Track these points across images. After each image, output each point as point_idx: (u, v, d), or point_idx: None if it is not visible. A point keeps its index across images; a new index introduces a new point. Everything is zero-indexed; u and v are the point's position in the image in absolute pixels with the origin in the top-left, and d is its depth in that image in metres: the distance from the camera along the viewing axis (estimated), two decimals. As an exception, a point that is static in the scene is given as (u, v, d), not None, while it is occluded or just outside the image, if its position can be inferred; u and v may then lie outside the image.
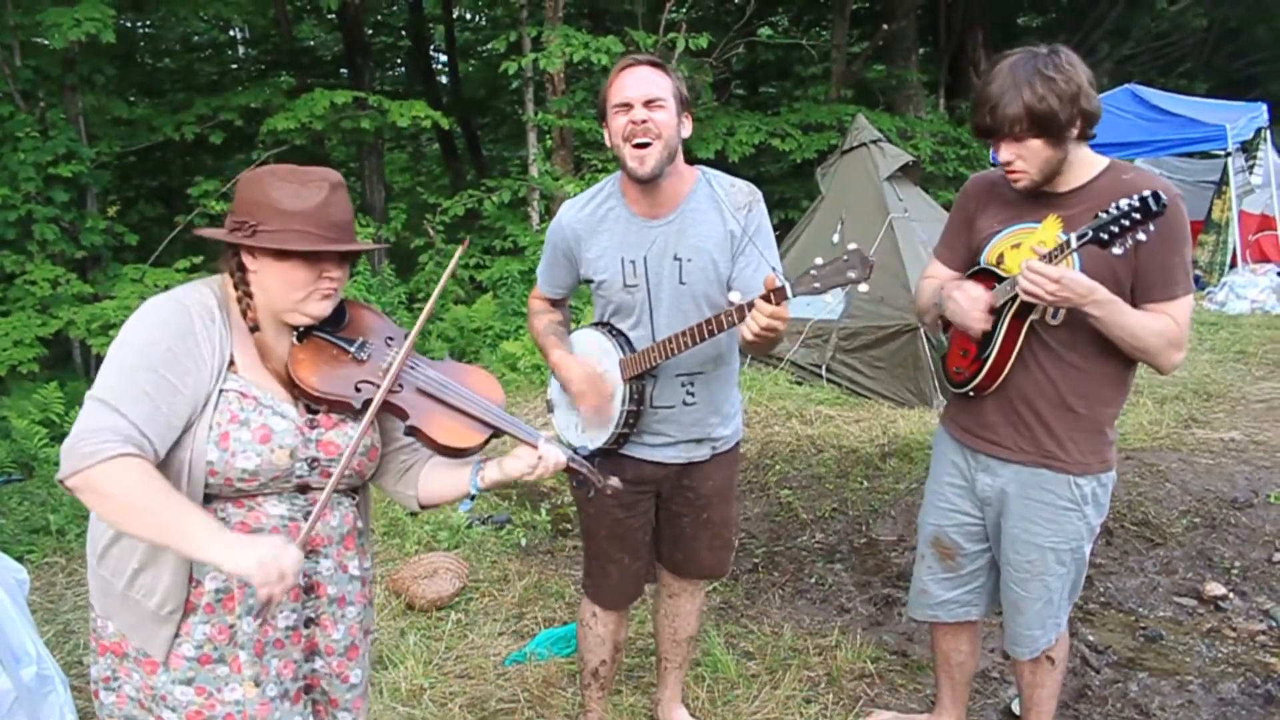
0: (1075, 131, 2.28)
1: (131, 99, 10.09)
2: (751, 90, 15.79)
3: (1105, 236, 2.14)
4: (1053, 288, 2.17)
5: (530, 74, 9.28)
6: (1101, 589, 3.94)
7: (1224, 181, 10.74)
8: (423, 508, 1.99)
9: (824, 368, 6.86)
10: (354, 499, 1.94)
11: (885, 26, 12.89)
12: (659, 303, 2.48)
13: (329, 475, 1.80)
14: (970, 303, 2.40)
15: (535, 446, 1.88)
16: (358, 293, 7.95)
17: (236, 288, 1.78)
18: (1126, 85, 11.65)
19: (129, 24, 11.26)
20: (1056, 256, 2.21)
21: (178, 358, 1.68)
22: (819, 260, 2.11)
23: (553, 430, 2.50)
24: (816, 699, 3.22)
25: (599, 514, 2.66)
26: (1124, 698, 3.22)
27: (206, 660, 1.76)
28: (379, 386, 1.80)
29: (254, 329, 1.78)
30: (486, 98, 15.53)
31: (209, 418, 1.70)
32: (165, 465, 1.69)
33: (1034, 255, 2.24)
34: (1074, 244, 2.20)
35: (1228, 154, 10.43)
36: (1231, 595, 3.84)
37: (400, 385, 1.83)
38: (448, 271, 2.08)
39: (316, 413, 1.82)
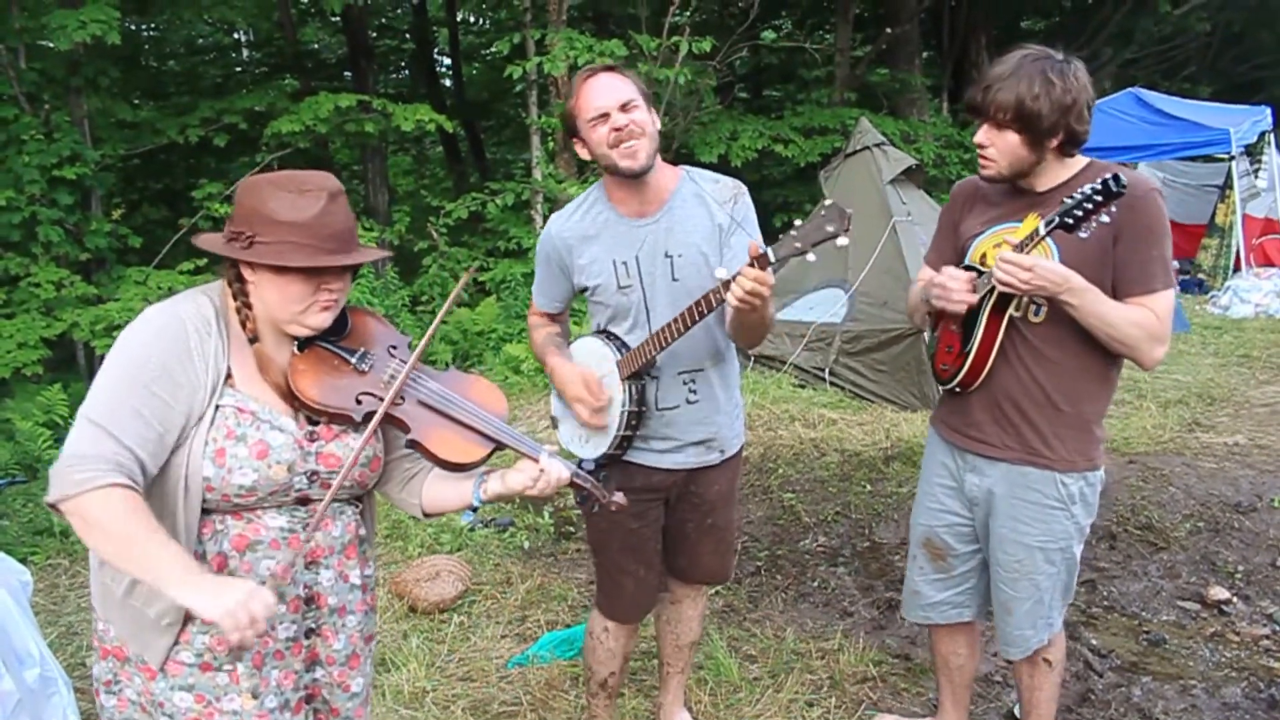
0: (1055, 142, 2.31)
1: (136, 102, 10.13)
2: (755, 94, 15.80)
3: (1070, 221, 2.17)
4: (1026, 276, 2.19)
5: (534, 77, 9.29)
6: (1105, 593, 3.93)
7: (1228, 185, 10.73)
8: (426, 516, 1.97)
9: (827, 371, 6.86)
10: (357, 507, 1.93)
11: (889, 30, 12.88)
12: (655, 302, 2.48)
13: (329, 487, 1.79)
14: (954, 281, 2.40)
15: (536, 460, 1.85)
16: (361, 296, 7.95)
17: (235, 298, 1.75)
18: (1130, 89, 11.65)
19: (133, 27, 11.28)
20: (1028, 245, 2.24)
21: (171, 374, 1.66)
22: (797, 222, 2.09)
23: (556, 444, 2.46)
24: (819, 702, 3.22)
25: (610, 526, 2.63)
26: (1127, 702, 3.22)
27: (207, 668, 1.75)
28: (381, 399, 1.78)
29: (253, 340, 1.76)
30: (490, 101, 15.55)
31: (204, 433, 1.68)
32: (162, 479, 1.68)
33: (1008, 247, 2.27)
34: (1043, 231, 2.22)
35: (1231, 158, 10.43)
36: (1235, 599, 3.83)
37: (402, 398, 1.80)
38: (450, 298, 2.08)
39: (317, 424, 1.79)
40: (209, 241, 1.74)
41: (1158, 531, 4.37)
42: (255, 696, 1.77)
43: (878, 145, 7.34)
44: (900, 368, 6.48)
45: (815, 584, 4.16)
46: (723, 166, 10.52)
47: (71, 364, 8.10)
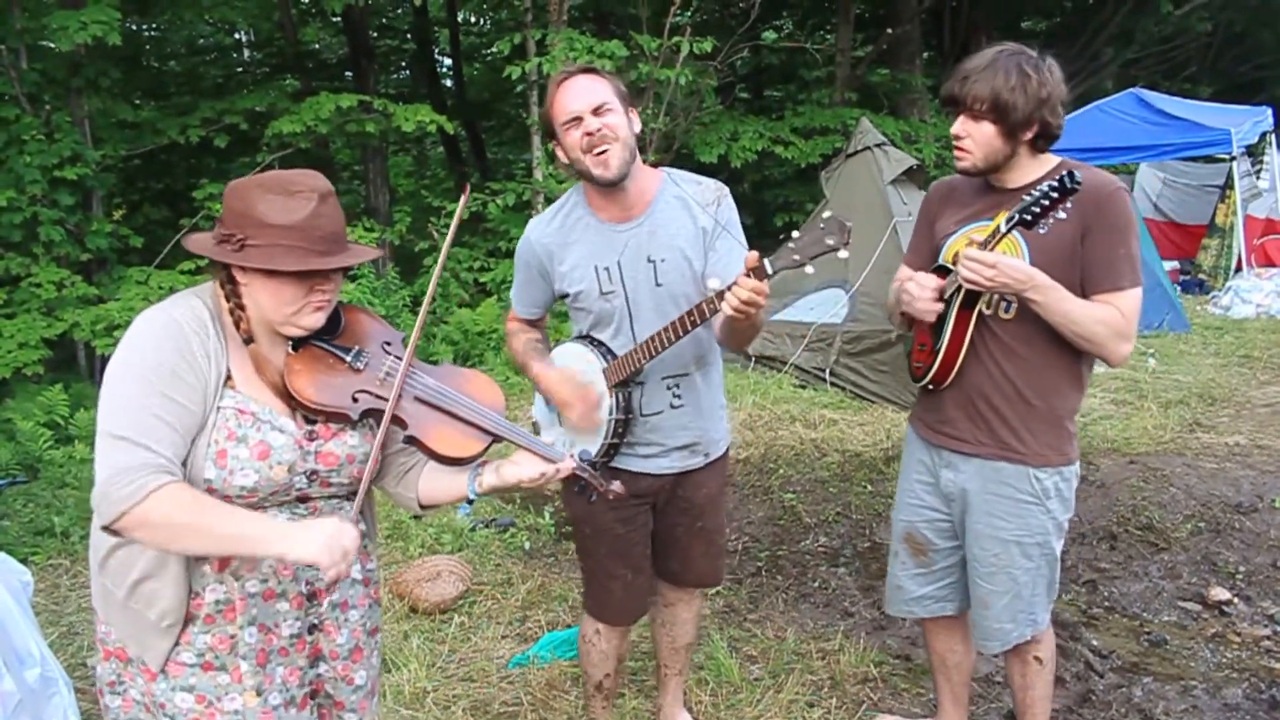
0: (1030, 134, 2.35)
1: (137, 102, 10.11)
2: (756, 94, 15.79)
3: (1029, 217, 2.21)
4: (990, 273, 2.23)
5: (534, 78, 9.28)
6: (1105, 593, 3.93)
7: (1228, 186, 10.72)
8: (423, 509, 1.98)
9: (828, 371, 6.86)
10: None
11: (889, 30, 12.88)
12: (638, 307, 2.46)
13: (328, 485, 1.80)
14: (920, 289, 2.45)
15: (534, 452, 1.86)
16: (362, 296, 7.95)
17: (228, 300, 1.75)
18: (1131, 89, 11.64)
19: (134, 27, 11.28)
20: (991, 243, 2.28)
21: (181, 377, 1.66)
22: (795, 234, 2.09)
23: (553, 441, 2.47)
24: (820, 703, 3.22)
25: (597, 532, 2.64)
26: (1128, 703, 3.21)
27: (209, 668, 1.76)
28: (377, 396, 1.78)
29: (248, 341, 1.76)
30: (491, 101, 15.53)
31: (207, 435, 1.69)
32: None
33: (974, 245, 2.30)
34: (1004, 228, 2.26)
35: (1232, 158, 10.42)
36: (1236, 600, 3.83)
37: (398, 395, 1.80)
38: (455, 222, 2.05)
39: (314, 423, 1.80)
40: (198, 244, 1.73)
41: (1158, 532, 4.37)
42: (259, 694, 1.78)
43: (879, 145, 7.34)
44: (901, 368, 6.46)
45: (816, 584, 4.16)
46: (723, 167, 10.53)
47: (72, 364, 8.09)
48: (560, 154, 2.45)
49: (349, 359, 1.80)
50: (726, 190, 2.54)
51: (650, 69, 8.65)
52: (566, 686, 3.33)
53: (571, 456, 1.89)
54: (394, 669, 3.43)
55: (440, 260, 2.04)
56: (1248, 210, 10.75)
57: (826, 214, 2.09)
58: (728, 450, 2.75)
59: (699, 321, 2.26)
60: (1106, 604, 3.87)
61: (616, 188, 2.40)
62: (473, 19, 16.72)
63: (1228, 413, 6.25)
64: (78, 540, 4.57)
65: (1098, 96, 12.36)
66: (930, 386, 2.55)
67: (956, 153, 2.42)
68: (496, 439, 1.84)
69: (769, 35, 12.69)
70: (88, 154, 7.67)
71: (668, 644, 2.96)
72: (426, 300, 1.98)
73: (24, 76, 7.60)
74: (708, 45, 8.75)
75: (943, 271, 2.51)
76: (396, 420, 1.80)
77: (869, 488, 5.08)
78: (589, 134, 2.33)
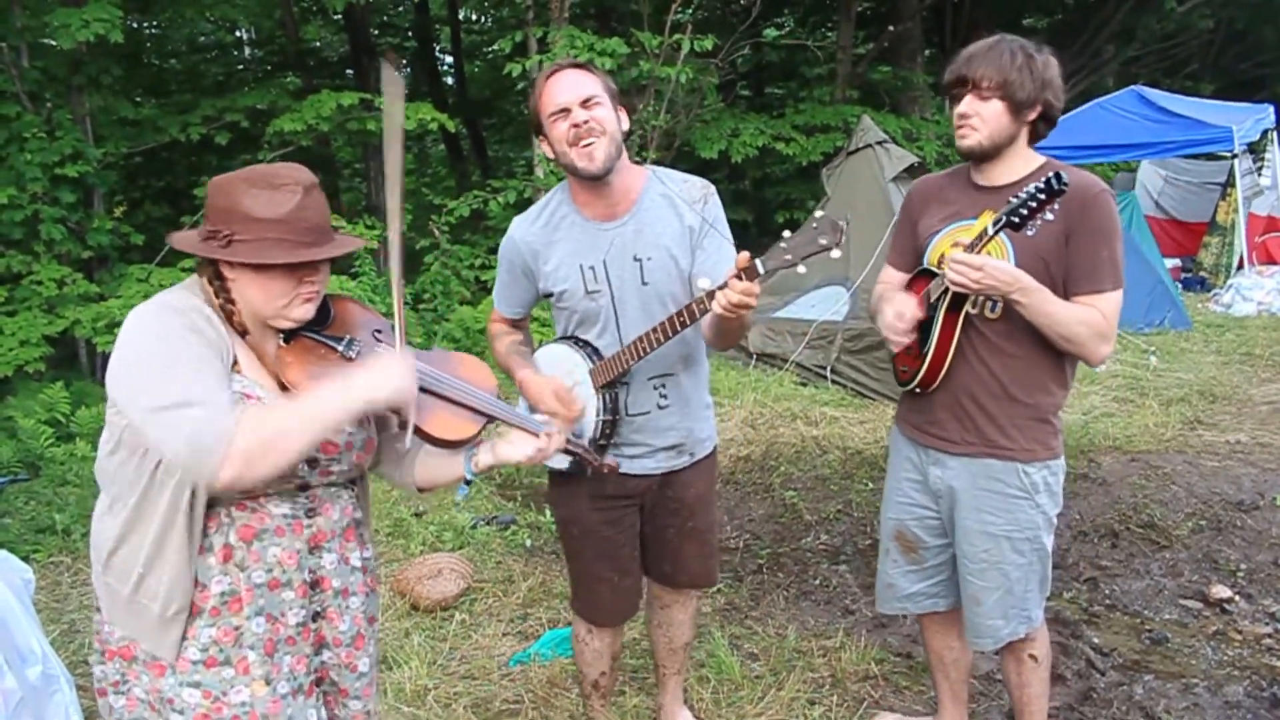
0: (1033, 115, 2.37)
1: (138, 100, 10.10)
2: (757, 91, 15.77)
3: (1016, 219, 2.21)
4: (977, 275, 2.24)
5: (536, 75, 9.27)
6: (1107, 591, 3.93)
7: (1230, 183, 10.71)
8: (421, 491, 2.00)
9: (829, 369, 6.86)
10: (353, 490, 1.95)
11: (891, 28, 12.88)
12: (624, 306, 2.44)
13: (328, 474, 1.82)
14: (895, 318, 2.46)
15: (526, 430, 1.88)
16: (362, 293, 7.95)
17: (217, 295, 1.75)
18: (1132, 87, 11.62)
19: (135, 25, 11.27)
20: (978, 245, 2.29)
21: (199, 332, 1.66)
22: (787, 233, 2.07)
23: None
24: (821, 700, 3.22)
25: (584, 533, 2.63)
26: (1129, 700, 3.21)
27: (212, 663, 1.76)
28: None
29: (243, 334, 1.77)
30: (492, 98, 15.53)
31: None
32: (166, 474, 1.67)
33: (960, 247, 2.31)
34: (991, 230, 2.27)
35: (1234, 156, 10.40)
36: (1237, 598, 3.83)
37: None
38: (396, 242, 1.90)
39: None
40: (184, 241, 1.73)
41: (1160, 530, 4.36)
42: (268, 683, 1.79)
43: (880, 143, 7.34)
44: (902, 366, 6.47)
45: (817, 582, 4.16)
46: (724, 162, 10.52)
47: (73, 362, 8.09)
48: (546, 149, 2.43)
49: (341, 348, 1.80)
50: (713, 188, 2.52)
51: (651, 66, 8.64)
52: (567, 684, 3.33)
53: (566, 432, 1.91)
54: (395, 666, 3.43)
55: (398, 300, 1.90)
56: (1249, 208, 10.74)
57: (819, 213, 2.08)
58: (715, 449, 2.74)
59: (689, 322, 2.25)
60: (1108, 602, 3.87)
61: (601, 183, 2.38)
62: (474, 17, 16.72)
63: (1229, 410, 6.25)
64: (79, 538, 4.57)
65: (1099, 94, 12.35)
66: (917, 390, 2.55)
67: (962, 131, 2.41)
68: (491, 420, 1.86)
69: (770, 33, 12.69)
70: (89, 151, 7.67)
71: (665, 644, 2.95)
72: (396, 283, 1.91)
73: (25, 74, 7.60)
74: (709, 43, 8.75)
75: (927, 275, 2.51)
76: (394, 409, 1.81)
77: (870, 485, 5.08)
78: (576, 125, 2.31)
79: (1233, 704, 3.18)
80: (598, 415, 2.44)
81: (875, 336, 6.58)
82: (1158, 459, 5.13)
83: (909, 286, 2.61)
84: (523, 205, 9.28)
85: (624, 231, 2.44)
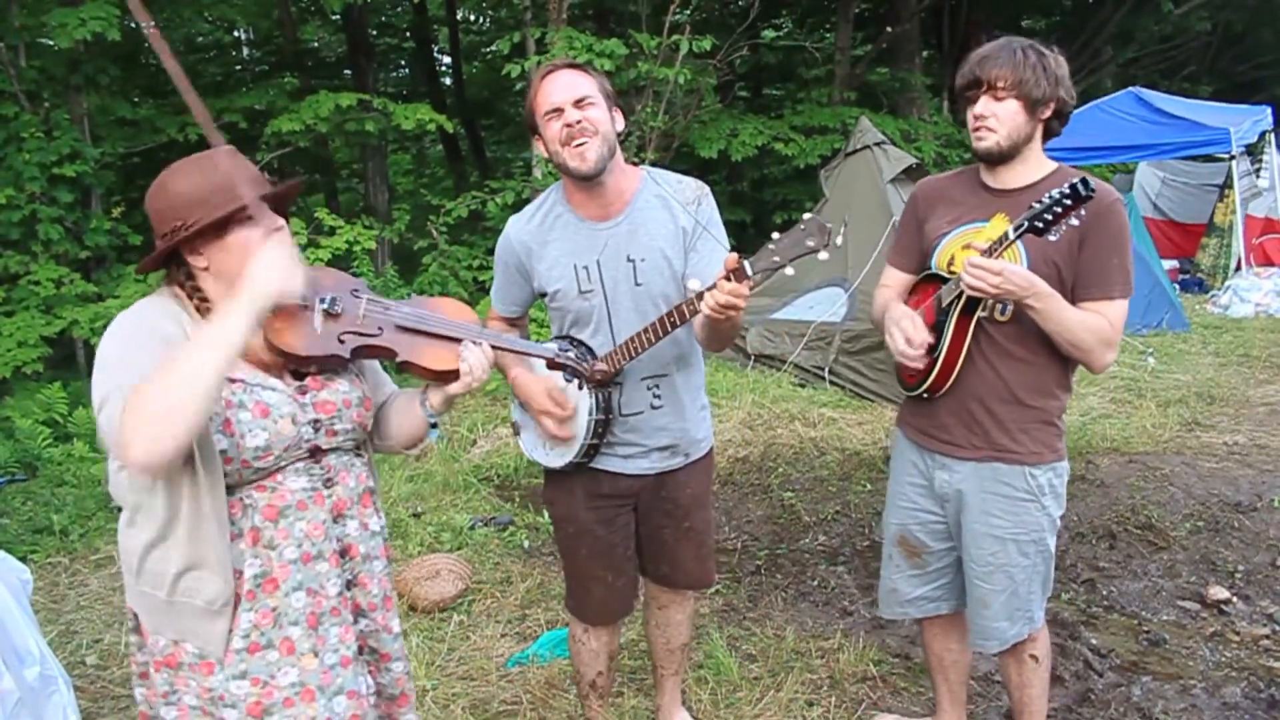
0: (1048, 112, 2.37)
1: (136, 100, 10.09)
2: (755, 92, 15.78)
3: (1040, 225, 2.20)
4: (996, 280, 2.23)
5: (533, 75, 9.29)
6: (1104, 592, 3.93)
7: (1228, 185, 10.73)
8: (409, 450, 2.07)
9: (827, 370, 6.86)
10: (363, 458, 2.00)
11: (889, 29, 12.88)
12: (617, 306, 2.44)
13: (334, 434, 1.87)
14: (905, 344, 2.44)
15: (514, 350, 2.04)
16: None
17: (191, 297, 1.80)
18: (1130, 88, 11.65)
19: (133, 25, 11.25)
20: (997, 250, 2.28)
21: (166, 339, 1.70)
22: (776, 235, 2.08)
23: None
24: (819, 701, 3.22)
25: (578, 532, 2.63)
26: (1127, 702, 3.22)
27: (255, 649, 1.78)
28: (361, 333, 1.87)
29: None
30: (490, 99, 15.53)
31: None
32: (178, 474, 1.69)
33: (976, 252, 2.30)
34: (1012, 235, 2.26)
35: (1232, 157, 10.43)
36: (1235, 599, 3.83)
37: (380, 328, 1.89)
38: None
39: (303, 378, 1.87)
40: (149, 261, 1.81)
41: (1158, 531, 4.37)
42: (316, 655, 1.82)
43: (878, 144, 7.35)
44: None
45: (815, 583, 4.16)
46: (724, 162, 10.52)
47: (71, 362, 8.09)
48: (541, 148, 2.44)
49: (325, 307, 1.87)
50: (707, 189, 2.53)
51: (650, 67, 8.64)
52: (565, 685, 3.33)
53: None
54: (393, 667, 3.43)
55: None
56: (1247, 209, 10.77)
57: (807, 215, 2.09)
58: (711, 450, 2.74)
59: (679, 323, 2.26)
60: (1105, 603, 3.87)
61: (594, 183, 2.39)
62: (472, 17, 16.72)
63: (1227, 412, 6.26)
64: (77, 539, 4.56)
65: (1097, 95, 12.37)
66: (925, 395, 2.54)
67: (979, 133, 2.40)
68: (476, 343, 1.94)
69: (768, 34, 12.69)
70: (87, 151, 7.66)
71: (662, 645, 2.95)
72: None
73: (23, 74, 7.60)
74: (707, 44, 8.75)
75: (935, 279, 2.50)
76: (385, 352, 1.89)
77: (868, 486, 5.08)
78: (568, 125, 2.32)
79: (1230, 705, 3.18)
80: (590, 415, 2.44)
81: (873, 338, 6.60)
82: (1155, 460, 5.14)
83: (913, 292, 2.60)
84: (520, 206, 9.25)
85: (618, 232, 2.44)
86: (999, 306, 2.40)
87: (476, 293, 9.19)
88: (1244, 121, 10.49)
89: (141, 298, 1.86)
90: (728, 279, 2.05)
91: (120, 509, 1.82)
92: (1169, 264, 10.79)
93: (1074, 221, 2.21)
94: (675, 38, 8.74)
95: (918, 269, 2.61)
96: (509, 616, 3.87)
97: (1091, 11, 15.37)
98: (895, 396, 6.45)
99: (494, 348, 1.93)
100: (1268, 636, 3.59)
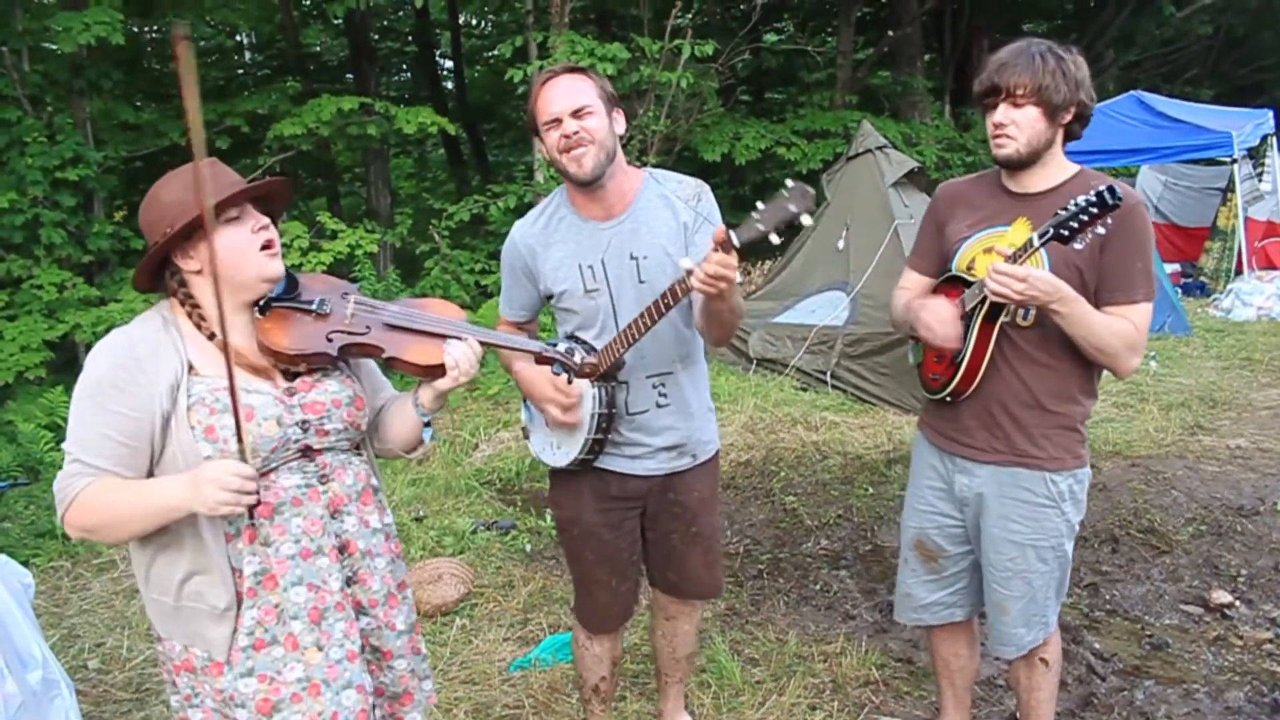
0: (1068, 117, 2.36)
1: (138, 104, 10.11)
2: (757, 96, 15.80)
3: (1066, 232, 2.19)
4: (1020, 287, 2.22)
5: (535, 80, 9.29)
6: (1107, 596, 3.93)
7: (1230, 188, 10.72)
8: (406, 453, 2.08)
9: (829, 374, 6.86)
10: (362, 456, 2.02)
11: (890, 33, 12.90)
12: (622, 305, 2.46)
13: (325, 434, 1.90)
14: (940, 325, 2.43)
15: (501, 346, 2.05)
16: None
17: (183, 304, 1.85)
18: (1132, 92, 11.63)
19: (136, 29, 11.27)
20: (1021, 256, 2.27)
21: (120, 387, 1.76)
22: (760, 205, 2.08)
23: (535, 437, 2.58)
24: (821, 706, 3.21)
25: (583, 535, 2.64)
26: (1130, 706, 3.21)
27: (260, 645, 1.80)
28: (349, 332, 1.90)
29: (211, 337, 1.84)
30: (492, 103, 15.54)
31: (185, 424, 1.76)
32: (163, 471, 1.78)
33: (1000, 258, 2.29)
34: (1036, 242, 2.25)
35: (1234, 161, 10.41)
36: (1238, 603, 3.82)
37: (367, 327, 1.92)
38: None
39: (293, 379, 1.89)
40: (141, 270, 1.86)
41: (1160, 535, 4.36)
42: (320, 649, 1.84)
43: (880, 148, 7.34)
44: (903, 370, 6.47)
45: (817, 587, 4.16)
46: (727, 165, 10.53)
47: (74, 366, 8.07)
48: (543, 151, 2.49)
49: (315, 308, 1.91)
50: (707, 187, 2.55)
51: (652, 71, 8.65)
52: (568, 689, 3.32)
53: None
54: (395, 671, 3.43)
55: None
56: (1249, 213, 10.75)
57: (790, 182, 2.08)
58: (717, 453, 2.75)
59: (673, 303, 2.26)
60: (1108, 607, 3.87)
61: (594, 187, 2.42)
62: (474, 21, 16.75)
63: (1229, 416, 6.25)
64: (78, 543, 4.56)
65: (1099, 99, 12.32)
66: (948, 399, 2.53)
67: (999, 140, 2.38)
68: (461, 339, 1.96)
69: (770, 38, 12.70)
70: (89, 155, 7.67)
71: (668, 654, 2.95)
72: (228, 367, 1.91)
73: (26, 78, 7.61)
74: (709, 48, 8.76)
75: (958, 282, 2.49)
76: (372, 350, 1.92)
77: (870, 490, 5.08)
78: (566, 135, 2.35)
79: (1233, 709, 3.18)
80: (593, 408, 2.45)
81: (875, 341, 6.60)
82: (1158, 464, 5.13)
83: (935, 293, 2.58)
84: (523, 210, 9.27)
85: (621, 230, 2.47)
86: (1021, 311, 2.39)
87: (478, 296, 9.21)
88: (1246, 125, 10.48)
89: (144, 304, 1.90)
90: (715, 250, 2.07)
91: None
92: (1171, 267, 10.78)
93: (1100, 230, 2.19)
94: (677, 42, 8.74)
95: (937, 272, 2.60)
96: (511, 621, 3.87)
97: (1093, 15, 15.38)
98: (898, 400, 6.46)
99: (481, 343, 1.95)
100: (1271, 640, 3.59)
